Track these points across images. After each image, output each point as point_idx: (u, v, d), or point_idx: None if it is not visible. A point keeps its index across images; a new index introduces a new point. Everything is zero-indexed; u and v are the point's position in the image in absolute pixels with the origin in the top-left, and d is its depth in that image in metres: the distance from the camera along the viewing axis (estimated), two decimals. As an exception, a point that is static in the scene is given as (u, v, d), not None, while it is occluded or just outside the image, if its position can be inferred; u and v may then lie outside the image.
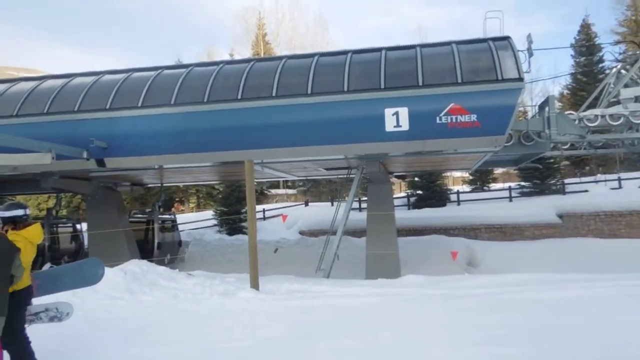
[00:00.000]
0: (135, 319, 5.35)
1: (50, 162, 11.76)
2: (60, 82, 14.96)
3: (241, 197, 25.60)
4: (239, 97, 13.41)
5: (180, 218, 31.05)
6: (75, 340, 4.42)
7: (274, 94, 13.27)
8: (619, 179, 24.54)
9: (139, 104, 13.68)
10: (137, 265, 7.85)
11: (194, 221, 28.36)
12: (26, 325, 4.15)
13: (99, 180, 16.97)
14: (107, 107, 13.74)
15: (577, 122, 14.09)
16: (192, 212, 38.86)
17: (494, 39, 13.46)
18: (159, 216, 18.44)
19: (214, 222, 27.41)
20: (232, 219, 25.80)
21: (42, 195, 26.87)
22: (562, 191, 25.63)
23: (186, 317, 5.37)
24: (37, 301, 4.23)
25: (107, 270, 7.36)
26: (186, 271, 8.88)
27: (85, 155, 13.29)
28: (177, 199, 42.47)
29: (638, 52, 16.83)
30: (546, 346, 3.58)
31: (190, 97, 13.74)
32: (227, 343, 4.08)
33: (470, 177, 32.92)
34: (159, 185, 22.17)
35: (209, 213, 29.42)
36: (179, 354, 3.83)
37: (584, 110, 14.89)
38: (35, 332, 4.06)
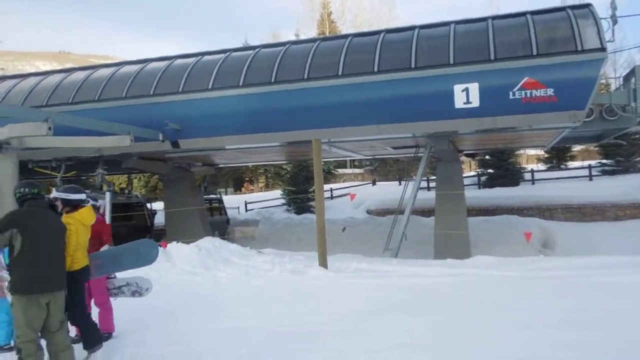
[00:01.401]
0: (211, 294, 5.60)
1: (129, 144, 12.41)
2: (136, 67, 15.69)
3: (309, 177, 25.93)
4: (306, 76, 13.46)
5: (249, 197, 31.96)
6: (154, 312, 4.69)
7: (340, 73, 13.22)
8: None
9: (210, 86, 14.09)
10: (211, 243, 8.20)
11: (263, 200, 29.08)
12: (111, 298, 4.48)
13: (173, 161, 17.74)
14: (180, 90, 14.26)
15: (667, 93, 13.02)
16: (261, 191, 39.84)
17: (574, 7, 12.64)
18: (205, 197, 18.84)
19: (283, 201, 27.94)
20: (300, 198, 26.22)
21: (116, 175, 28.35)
22: (648, 169, 23.91)
23: (257, 293, 5.56)
24: (120, 276, 4.55)
25: (183, 246, 7.77)
26: (257, 249, 9.15)
27: (160, 137, 13.91)
28: (246, 179, 43.67)
29: None
30: (617, 332, 3.42)
31: (257, 78, 13.95)
32: (296, 319, 4.19)
33: (546, 155, 31.40)
34: (230, 165, 22.85)
35: (277, 192, 30.06)
36: (250, 329, 3.98)
37: (675, 81, 13.71)
38: (119, 302, 4.36)
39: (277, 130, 13.98)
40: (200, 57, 15.41)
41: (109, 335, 4.23)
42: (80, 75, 15.99)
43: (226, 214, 21.49)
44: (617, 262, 6.99)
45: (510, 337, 3.38)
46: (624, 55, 36.44)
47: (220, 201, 21.32)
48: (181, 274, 6.57)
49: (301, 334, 3.76)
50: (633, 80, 12.79)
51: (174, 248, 7.50)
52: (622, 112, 13.23)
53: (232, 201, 29.95)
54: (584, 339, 3.26)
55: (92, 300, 4.41)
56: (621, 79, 15.50)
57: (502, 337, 3.39)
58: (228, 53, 15.22)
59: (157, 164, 17.23)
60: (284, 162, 27.36)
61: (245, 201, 28.82)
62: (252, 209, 27.29)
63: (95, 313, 4.24)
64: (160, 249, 7.38)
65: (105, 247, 4.47)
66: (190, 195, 17.88)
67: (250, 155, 18.77)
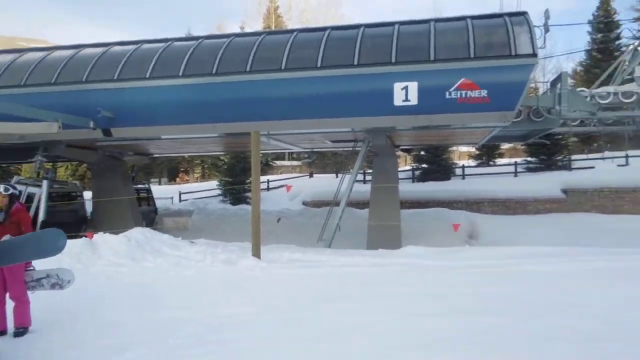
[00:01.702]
0: (138, 285, 5.44)
1: (57, 131, 11.83)
2: (68, 52, 14.92)
3: (246, 168, 25.67)
4: (248, 69, 13.32)
5: (184, 187, 31.27)
6: (78, 305, 4.50)
7: (283, 67, 13.17)
8: (627, 156, 24.39)
9: (147, 75, 13.64)
10: (141, 233, 7.94)
11: (199, 190, 28.55)
12: (29, 292, 4.21)
13: (104, 150, 17.05)
14: (115, 77, 13.71)
15: (588, 99, 13.91)
16: (197, 182, 39.07)
17: (511, 14, 13.24)
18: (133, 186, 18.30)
19: (218, 192, 27.56)
20: (237, 189, 25.94)
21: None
22: (568, 167, 25.53)
23: (188, 284, 5.46)
24: (39, 266, 4.30)
25: (111, 237, 7.49)
26: (189, 239, 8.97)
27: (91, 124, 13.35)
28: (182, 169, 42.68)
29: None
30: (531, 316, 3.64)
31: (199, 69, 13.67)
32: (228, 309, 4.15)
33: (477, 152, 32.78)
34: (165, 154, 22.24)
35: (213, 183, 29.58)
36: (180, 319, 3.90)
37: (596, 88, 14.68)
38: (44, 295, 4.14)
39: (216, 122, 13.76)
40: (139, 45, 14.88)
41: (24, 330, 3.98)
42: (6, 58, 15.08)
43: (154, 204, 20.86)
44: (537, 252, 7.41)
45: (430, 322, 3.52)
46: (552, 62, 38.51)
47: (149, 191, 20.67)
48: (108, 265, 6.33)
49: (232, 324, 3.73)
50: (559, 85, 13.55)
51: (101, 239, 7.21)
52: (548, 115, 14.00)
53: (166, 191, 29.19)
54: (501, 323, 3.44)
55: (7, 294, 4.13)
56: (548, 84, 16.38)
57: (423, 323, 3.51)
58: (169, 42, 14.80)
59: (87, 152, 16.51)
60: (222, 153, 26.95)
61: (180, 191, 28.17)
62: (186, 200, 26.72)
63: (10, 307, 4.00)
64: (87, 240, 7.09)
65: (6, 237, 4.14)
66: (121, 184, 17.24)
67: (187, 145, 18.34)
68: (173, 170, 42.86)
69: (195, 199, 26.30)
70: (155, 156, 22.96)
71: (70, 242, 6.76)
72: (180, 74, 13.49)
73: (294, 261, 6.94)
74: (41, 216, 13.99)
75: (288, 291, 4.92)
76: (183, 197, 27.68)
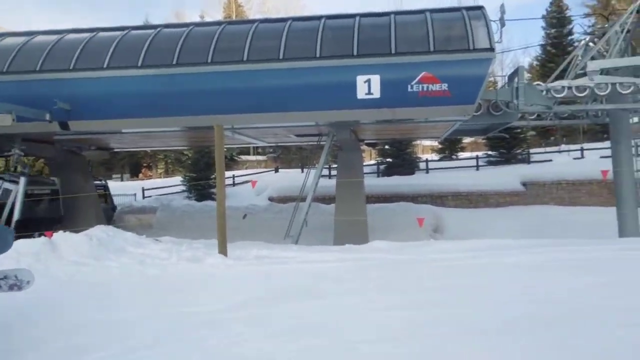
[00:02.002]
0: (101, 285, 5.32)
1: (10, 123, 11.42)
2: (21, 40, 14.38)
3: (210, 163, 25.44)
4: (209, 60, 13.18)
5: (147, 183, 30.71)
6: (38, 306, 4.37)
7: (245, 59, 13.08)
8: (582, 149, 25.28)
9: (105, 65, 13.32)
10: (104, 231, 7.76)
11: (162, 187, 28.10)
12: None
13: (62, 144, 16.55)
14: (71, 67, 13.32)
15: (544, 93, 14.33)
16: (160, 177, 38.42)
17: (468, 9, 13.49)
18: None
19: (183, 188, 27.22)
20: (201, 185, 25.67)
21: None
22: (527, 160, 26.29)
23: (153, 283, 5.37)
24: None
25: (72, 236, 7.29)
26: (154, 237, 8.82)
27: (47, 117, 12.93)
28: (144, 164, 41.85)
29: (606, 25, 17.06)
30: (494, 306, 3.75)
31: (158, 60, 13.43)
32: (193, 307, 4.10)
33: (440, 146, 33.35)
34: (127, 149, 21.76)
35: (177, 179, 29.18)
36: (144, 319, 3.84)
37: (551, 82, 15.13)
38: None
39: (178, 115, 13.57)
40: (95, 33, 14.47)
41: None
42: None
43: (112, 201, 20.40)
44: (499, 244, 7.61)
45: (395, 315, 3.57)
46: (510, 56, 39.60)
47: (106, 187, 20.19)
48: (69, 265, 6.16)
49: (198, 322, 3.69)
50: (516, 79, 13.91)
51: (61, 237, 7.01)
52: (506, 108, 14.36)
53: (128, 188, 28.59)
54: (463, 313, 3.52)
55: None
56: (506, 78, 16.80)
57: (388, 316, 3.56)
58: (127, 31, 14.44)
59: (44, 146, 16.01)
60: (185, 147, 26.60)
61: (143, 188, 27.68)
62: (150, 196, 26.27)
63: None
64: (46, 239, 6.87)
65: None
66: (81, 181, 16.81)
67: (149, 139, 18.01)
68: (135, 166, 42.00)
69: (159, 195, 25.90)
70: (116, 151, 22.47)
71: (29, 242, 6.56)
72: (139, 64, 13.23)
73: (261, 258, 6.92)
74: (16, 215, 13.47)
75: (255, 288, 4.90)
76: (146, 193, 27.21)
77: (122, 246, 7.26)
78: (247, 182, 26.21)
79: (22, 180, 13.67)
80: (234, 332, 3.41)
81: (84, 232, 7.44)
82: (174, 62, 13.14)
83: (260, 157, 42.24)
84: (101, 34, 14.33)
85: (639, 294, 4.01)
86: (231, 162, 34.53)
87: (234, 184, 27.50)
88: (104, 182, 21.13)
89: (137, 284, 5.30)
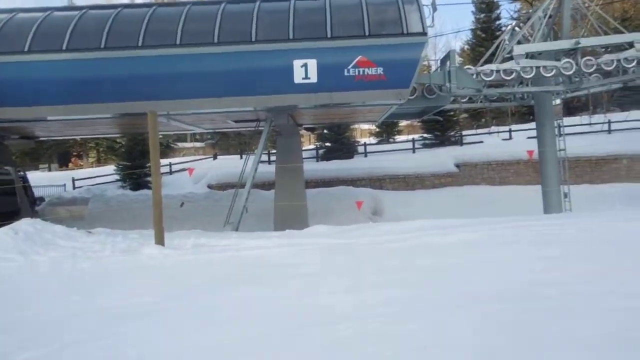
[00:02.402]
0: (28, 281, 5.05)
1: None
2: None
3: (145, 151, 24.62)
4: (140, 44, 12.70)
5: (78, 173, 29.35)
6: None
7: (178, 42, 12.71)
8: (510, 131, 26.51)
9: (26, 49, 12.56)
10: (30, 224, 7.36)
11: (94, 176, 26.96)
12: None
13: (-19, 133, 15.53)
14: (-12, 50, 12.46)
15: (474, 76, 14.85)
16: (92, 167, 36.83)
17: (401, -8, 13.64)
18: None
19: (117, 177, 26.24)
20: (136, 174, 24.85)
21: None
22: (460, 142, 27.27)
23: (85, 277, 5.16)
24: None
25: (-6, 230, 6.86)
26: (86, 229, 8.47)
27: (-38, 104, 12.06)
28: (74, 153, 39.95)
29: (530, 10, 17.84)
30: (434, 285, 3.86)
31: (85, 43, 12.81)
32: (129, 299, 3.97)
33: (377, 130, 33.90)
34: (54, 138, 20.67)
35: (110, 168, 28.07)
36: (77, 314, 3.68)
37: (481, 65, 15.69)
38: None
39: (108, 101, 13.05)
40: (14, 13, 13.58)
41: None
42: None
43: (32, 194, 19.22)
44: (436, 224, 7.85)
45: (336, 299, 3.61)
46: (443, 40, 40.66)
47: (24, 179, 19.04)
48: (-8, 261, 5.81)
49: (135, 314, 3.58)
50: (448, 63, 14.33)
51: (-18, 232, 6.59)
52: (440, 92, 14.78)
53: (57, 178, 27.24)
54: (404, 294, 3.61)
55: None
56: (439, 62, 17.27)
57: (329, 300, 3.60)
58: (49, 12, 13.63)
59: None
60: (118, 135, 25.61)
61: (73, 178, 26.43)
62: (81, 186, 25.14)
63: None
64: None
65: None
66: (2, 172, 15.84)
67: (78, 127, 17.17)
68: (65, 155, 39.99)
69: (91, 185, 24.83)
70: (42, 139, 21.30)
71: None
72: (64, 47, 12.57)
73: (199, 246, 6.79)
74: None
75: (194, 278, 4.81)
76: (77, 183, 26.01)
77: (52, 240, 6.92)
78: (184, 169, 25.61)
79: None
80: (169, 324, 3.34)
81: (9, 225, 7.03)
82: (102, 46, 12.55)
83: (198, 144, 41.36)
84: (21, 15, 13.45)
85: (565, 268, 4.27)
86: (167, 149, 33.59)
87: (170, 172, 26.80)
88: (22, 172, 19.89)
89: (69, 279, 5.07)
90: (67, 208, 19.11)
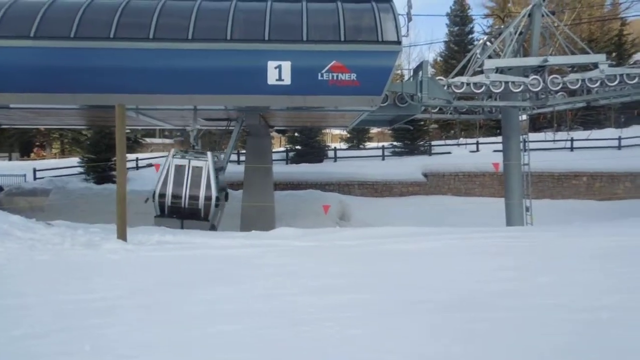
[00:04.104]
0: (-18, 272, 4.89)
1: None
2: None
3: (112, 145, 24.08)
4: (112, 35, 12.46)
5: (40, 164, 28.55)
6: None
7: (151, 36, 12.53)
8: (477, 143, 27.03)
9: (-10, 33, 12.15)
10: (-14, 214, 7.13)
11: (57, 168, 26.26)
12: None
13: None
14: (-51, 33, 12.02)
15: (445, 87, 15.11)
16: (55, 158, 35.85)
17: (377, 1, 13.82)
18: None
19: (81, 169, 25.60)
20: (101, 167, 24.30)
21: None
22: (429, 152, 27.64)
23: (43, 269, 5.02)
24: None
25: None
26: (46, 221, 8.24)
27: None
28: (37, 143, 38.82)
29: (502, 26, 18.28)
30: (396, 290, 3.92)
31: (54, 31, 12.49)
32: (86, 295, 3.89)
33: (348, 135, 34.06)
34: (16, 126, 20.04)
35: (74, 160, 27.37)
36: (33, 307, 3.58)
37: (452, 77, 15.98)
38: None
39: (76, 91, 12.74)
40: (-22, -3, 13.11)
41: None
42: None
43: None
44: (402, 232, 7.96)
45: (300, 301, 3.62)
46: (416, 50, 41.26)
47: None
48: (-55, 250, 5.59)
49: (94, 310, 3.50)
50: (420, 73, 14.54)
51: None
52: (411, 101, 14.98)
53: (17, 168, 26.44)
54: (366, 299, 3.65)
55: None
56: (412, 72, 17.51)
57: (293, 302, 3.60)
58: (17, -3, 13.21)
59: None
60: (85, 127, 25.00)
61: (35, 168, 25.67)
62: (42, 177, 24.44)
63: None
64: None
65: None
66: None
67: (43, 117, 16.71)
68: (27, 145, 38.78)
69: (53, 176, 24.15)
70: (3, 127, 20.63)
71: None
72: (32, 34, 12.23)
73: (163, 243, 6.71)
74: (214, 192, 12.49)
75: (156, 275, 4.75)
76: (39, 174, 25.27)
77: (8, 230, 6.71)
78: (151, 165, 25.21)
79: (209, 155, 12.60)
80: (132, 320, 3.28)
81: (-37, 215, 6.79)
82: (72, 35, 12.26)
83: (167, 140, 40.77)
84: (-13, -2, 13.03)
85: (520, 280, 4.38)
86: (135, 144, 32.95)
87: (137, 167, 26.33)
88: None
89: (25, 271, 4.93)
90: (27, 199, 18.55)
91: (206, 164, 12.46)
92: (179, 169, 12.42)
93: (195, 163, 12.52)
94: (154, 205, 12.54)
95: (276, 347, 2.71)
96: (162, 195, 12.43)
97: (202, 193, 12.39)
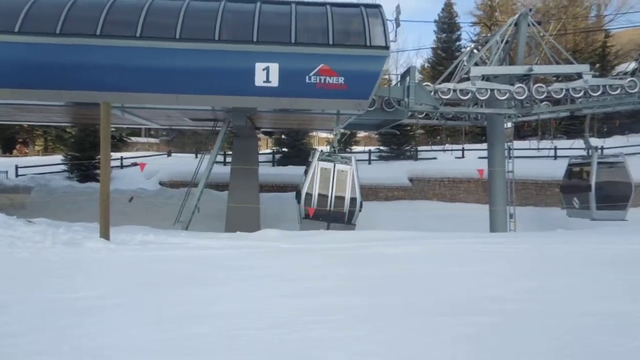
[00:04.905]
0: (-40, 269, 4.80)
1: None
2: None
3: (96, 143, 23.83)
4: (98, 32, 12.35)
5: (22, 161, 28.14)
6: None
7: (138, 34, 12.43)
8: (463, 149, 27.20)
9: (-26, 27, 11.97)
10: (-35, 210, 7.01)
11: (40, 165, 25.91)
12: None
13: None
14: None
15: (432, 93, 15.20)
16: (38, 155, 35.36)
17: (366, 6, 13.88)
18: None
19: (64, 167, 25.26)
20: (85, 166, 24.01)
21: None
22: (415, 157, 27.75)
23: (23, 267, 4.95)
24: None
25: None
26: (27, 218, 8.13)
27: None
28: (19, 140, 38.28)
29: (489, 34, 18.46)
30: (380, 296, 3.92)
31: (39, 27, 12.35)
32: (66, 294, 3.84)
33: (335, 139, 33.95)
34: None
35: (58, 157, 27.00)
36: (10, 305, 3.52)
37: (439, 84, 16.08)
38: None
39: (61, 88, 12.60)
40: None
41: None
42: None
43: None
44: (388, 236, 8.00)
45: (285, 303, 3.61)
46: (404, 56, 41.52)
47: None
48: None
49: (74, 309, 3.46)
50: (408, 79, 14.62)
51: None
52: (398, 106, 15.05)
53: (-1, 164, 26.07)
54: (352, 302, 3.65)
55: None
56: (399, 77, 17.59)
57: (277, 304, 3.59)
58: (1, -9, 13.02)
59: None
60: (69, 124, 24.69)
61: (17, 165, 25.28)
62: (24, 175, 24.08)
63: None
64: None
65: None
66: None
67: (25, 113, 16.46)
68: (10, 141, 38.18)
69: (35, 174, 23.80)
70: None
71: None
72: (16, 29, 12.08)
73: (147, 243, 6.65)
74: (358, 197, 12.82)
75: (138, 274, 4.70)
76: (21, 171, 24.90)
77: (-12, 227, 6.61)
78: (135, 164, 24.97)
79: (354, 160, 12.97)
80: (112, 320, 3.25)
81: (-59, 211, 6.67)
82: (58, 31, 12.12)
83: (152, 140, 40.45)
84: (-27, -9, 12.83)
85: (503, 285, 4.42)
86: (120, 142, 32.62)
87: (121, 166, 26.07)
88: None
89: (4, 269, 4.85)
90: (8, 196, 18.26)
91: (351, 168, 12.74)
92: (324, 173, 12.71)
93: (340, 167, 12.79)
94: (298, 209, 12.73)
95: (254, 350, 2.70)
96: (309, 198, 12.53)
97: (347, 196, 12.66)
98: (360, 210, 12.83)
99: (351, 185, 12.73)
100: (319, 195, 12.51)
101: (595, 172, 16.30)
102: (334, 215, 12.54)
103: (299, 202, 12.67)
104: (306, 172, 13.19)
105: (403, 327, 3.07)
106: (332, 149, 13.83)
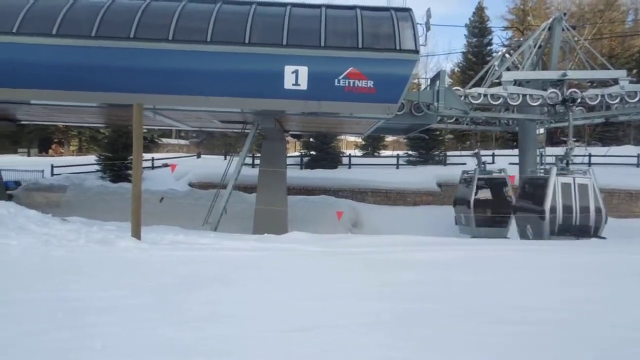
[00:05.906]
0: (-3, 265, 4.95)
1: None
2: None
3: (128, 144, 24.34)
4: (132, 35, 12.63)
5: (58, 160, 28.93)
6: None
7: (170, 38, 12.66)
8: (493, 155, 26.79)
9: (14, 30, 12.39)
10: (4, 208, 7.24)
11: (75, 165, 26.60)
12: None
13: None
14: (-26, 29, 12.27)
15: (462, 98, 15.04)
16: (73, 155, 36.33)
17: (396, 9, 13.83)
18: None
19: (97, 167, 25.89)
20: (117, 166, 24.55)
21: None
22: (443, 162, 27.49)
23: (57, 265, 5.07)
24: None
25: (-35, 211, 6.72)
26: (61, 217, 8.34)
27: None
28: (55, 140, 39.40)
29: (522, 39, 18.15)
30: (405, 300, 3.88)
31: (76, 29, 12.69)
32: (97, 292, 3.92)
33: (363, 142, 34.01)
34: (36, 122, 20.35)
35: (91, 158, 27.70)
36: (43, 302, 3.61)
37: (469, 88, 15.90)
38: None
39: (95, 90, 12.92)
40: (4, -6, 13.36)
41: None
42: None
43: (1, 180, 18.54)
44: (414, 240, 7.92)
45: (310, 306, 3.60)
46: (434, 60, 41.19)
47: None
48: (-39, 242, 5.68)
49: (101, 308, 3.52)
50: (437, 83, 14.50)
51: (-47, 212, 6.45)
52: (427, 110, 14.93)
53: (36, 163, 26.84)
54: (377, 307, 3.62)
55: None
56: (429, 81, 17.46)
57: (302, 307, 3.58)
58: (39, -5, 13.43)
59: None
60: (103, 125, 25.30)
61: (53, 165, 26.02)
62: (59, 174, 24.76)
63: None
64: None
65: None
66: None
67: (62, 114, 16.94)
68: (46, 141, 39.38)
69: (70, 173, 24.46)
70: (23, 123, 20.95)
71: None
72: (55, 32, 12.44)
73: (176, 243, 6.74)
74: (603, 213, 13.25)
75: (167, 274, 4.77)
76: (56, 170, 25.63)
77: (25, 224, 6.81)
78: (166, 165, 25.40)
79: (592, 172, 13.36)
80: (140, 319, 3.29)
81: (-19, 208, 6.90)
82: (93, 34, 12.44)
83: (182, 141, 41.10)
84: (13, -5, 13.27)
85: (540, 294, 4.32)
86: (151, 144, 33.28)
87: (152, 167, 26.56)
88: None
89: (39, 266, 4.98)
90: (44, 194, 18.80)
91: (590, 180, 13.08)
92: (565, 187, 13.01)
93: (580, 181, 13.14)
94: (542, 224, 13.08)
95: (276, 352, 2.70)
96: (553, 213, 12.98)
97: (592, 209, 12.98)
98: (606, 222, 12.96)
99: (594, 197, 13.04)
100: (564, 211, 12.89)
101: (474, 188, 16.08)
102: (579, 228, 12.69)
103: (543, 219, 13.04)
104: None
105: (428, 335, 3.03)
106: (566, 162, 13.99)
